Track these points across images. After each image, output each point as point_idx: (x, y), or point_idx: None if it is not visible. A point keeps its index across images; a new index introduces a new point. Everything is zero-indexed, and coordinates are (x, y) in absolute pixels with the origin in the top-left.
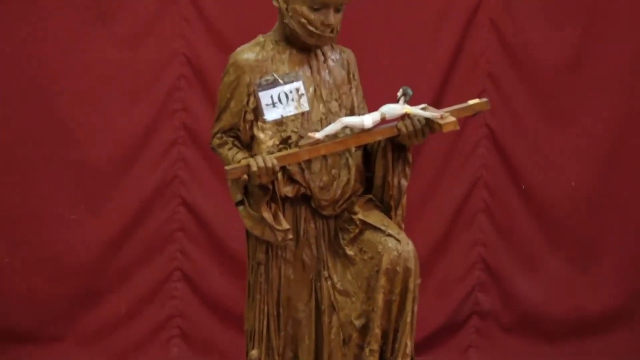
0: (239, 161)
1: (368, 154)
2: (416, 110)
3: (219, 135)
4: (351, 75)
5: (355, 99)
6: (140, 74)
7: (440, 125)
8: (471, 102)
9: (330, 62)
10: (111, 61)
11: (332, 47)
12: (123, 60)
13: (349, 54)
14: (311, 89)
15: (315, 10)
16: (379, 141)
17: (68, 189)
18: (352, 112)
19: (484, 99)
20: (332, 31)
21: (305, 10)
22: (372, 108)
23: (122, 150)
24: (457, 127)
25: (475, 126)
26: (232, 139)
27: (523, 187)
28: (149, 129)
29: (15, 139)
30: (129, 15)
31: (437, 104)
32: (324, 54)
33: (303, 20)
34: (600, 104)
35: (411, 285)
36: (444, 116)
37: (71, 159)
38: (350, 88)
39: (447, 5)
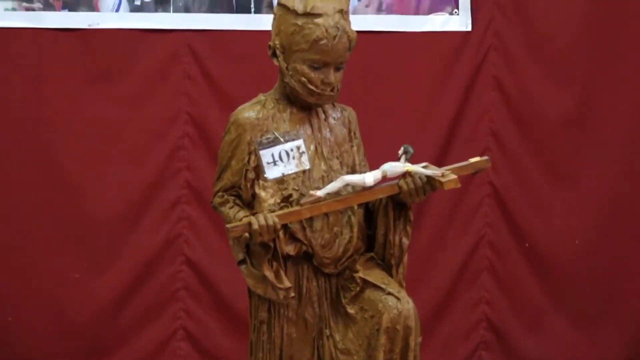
0: (241, 219)
1: (370, 212)
2: (417, 168)
3: (220, 193)
4: (352, 134)
5: (356, 157)
6: (144, 133)
7: (441, 183)
8: (472, 160)
9: (332, 120)
10: (114, 120)
11: (334, 106)
12: (126, 118)
13: (350, 112)
14: (312, 147)
15: (315, 69)
16: (381, 199)
17: (71, 247)
18: (353, 170)
19: (485, 157)
20: (332, 90)
21: (305, 69)
22: (374, 166)
23: (125, 208)
24: (458, 185)
25: (479, 184)
26: (233, 198)
27: (527, 244)
28: (152, 187)
29: (18, 197)
30: (132, 74)
31: (440, 163)
32: (325, 112)
33: (303, 79)
34: (604, 161)
35: (412, 344)
36: (445, 174)
37: (74, 217)
38: (352, 146)
39: (451, 63)
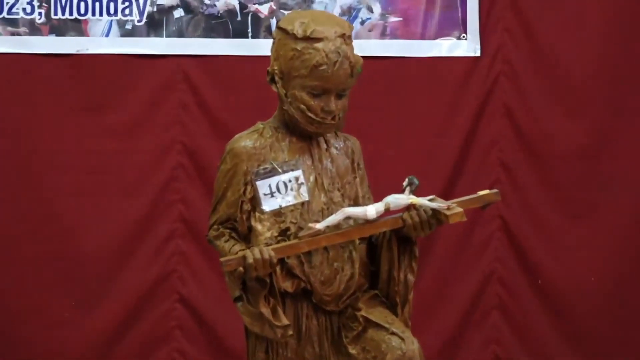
0: (236, 253)
1: (373, 246)
2: (422, 200)
3: (215, 226)
4: (355, 164)
5: (359, 189)
6: (136, 164)
7: (446, 216)
8: (481, 193)
9: (333, 150)
10: (105, 151)
11: (336, 135)
12: (117, 149)
13: (353, 142)
14: (312, 178)
15: (315, 96)
16: (384, 233)
17: (60, 283)
18: (356, 203)
19: (494, 190)
20: (333, 118)
21: (304, 96)
22: (377, 198)
23: (117, 243)
24: (464, 218)
25: (489, 218)
26: (228, 231)
27: (539, 282)
28: (145, 221)
29: (3, 231)
30: (123, 102)
31: (447, 196)
32: (326, 142)
33: (302, 106)
34: (619, 194)
35: None
36: (451, 207)
37: (63, 252)
38: (355, 177)
39: (458, 90)
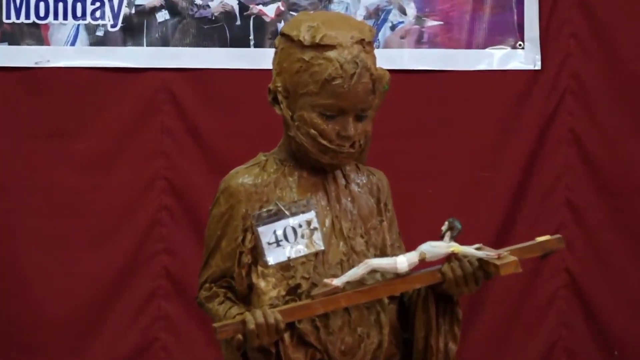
0: (233, 317)
1: (405, 307)
2: (466, 249)
3: (207, 285)
4: (383, 205)
5: (387, 236)
6: (110, 205)
7: (496, 267)
8: (541, 238)
9: (355, 187)
10: (73, 188)
11: (358, 168)
12: (87, 186)
13: (379, 178)
14: (328, 222)
15: (328, 118)
16: (419, 291)
17: (18, 351)
18: (383, 253)
19: (557, 236)
20: (352, 145)
21: (315, 118)
22: (411, 247)
23: (87, 303)
24: (519, 270)
25: (552, 271)
26: (224, 290)
27: (616, 353)
28: (120, 277)
29: None
30: (93, 129)
31: (499, 244)
32: (345, 177)
33: (313, 131)
34: None
35: None
36: (503, 255)
37: (22, 314)
38: (381, 221)
39: (514, 113)
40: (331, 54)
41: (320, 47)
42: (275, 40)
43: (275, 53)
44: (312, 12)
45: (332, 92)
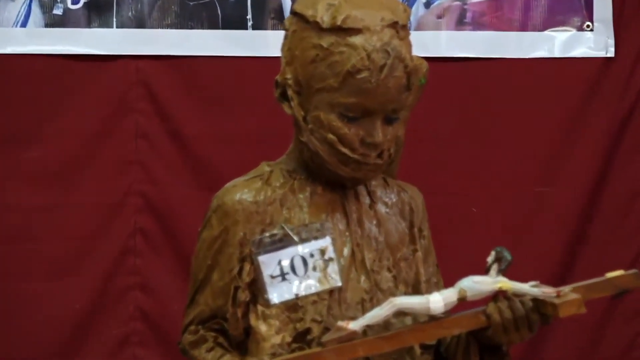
0: None
1: (442, 358)
2: (517, 285)
3: (192, 327)
4: (416, 230)
5: (421, 269)
6: (73, 227)
7: (554, 306)
8: (612, 274)
9: (382, 208)
10: (26, 207)
11: (386, 183)
12: (44, 205)
13: (413, 195)
14: (346, 252)
15: (350, 120)
16: (458, 338)
17: None
18: (416, 290)
19: (632, 271)
20: (380, 155)
21: (334, 119)
22: (448, 283)
23: (46, 350)
24: (582, 310)
25: (628, 314)
26: (213, 334)
27: None
28: (86, 317)
29: None
30: (52, 133)
31: (560, 280)
32: (370, 194)
33: (331, 136)
34: None
35: None
36: (563, 293)
37: None
38: (415, 250)
39: (581, 112)
40: (356, 40)
41: (342, 30)
42: (285, 21)
43: (286, 37)
44: None
45: (356, 88)
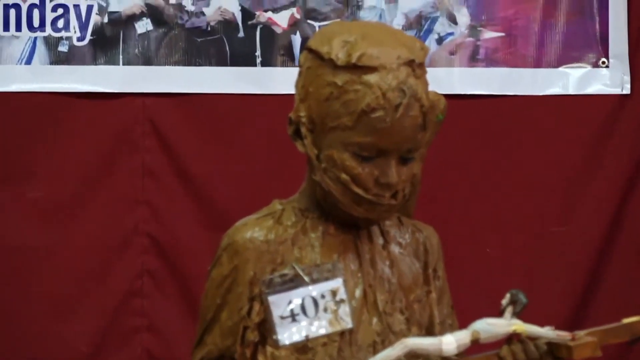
0: None
1: None
2: (532, 328)
3: None
4: (431, 271)
5: (435, 311)
6: (77, 268)
7: (569, 349)
8: (628, 320)
9: (395, 248)
10: (27, 247)
11: (401, 223)
12: (47, 245)
13: (428, 235)
14: (358, 293)
15: (365, 159)
16: None
17: None
18: (429, 333)
19: None
20: (394, 196)
21: (348, 159)
22: (463, 324)
23: None
24: (598, 353)
25: None
26: None
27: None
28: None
29: None
30: (56, 172)
31: (575, 324)
32: (384, 234)
33: (345, 176)
34: None
35: None
36: (578, 336)
37: None
38: (429, 292)
39: (596, 150)
40: (371, 78)
41: (357, 68)
42: (300, 57)
43: (300, 73)
44: (346, 21)
45: (370, 128)
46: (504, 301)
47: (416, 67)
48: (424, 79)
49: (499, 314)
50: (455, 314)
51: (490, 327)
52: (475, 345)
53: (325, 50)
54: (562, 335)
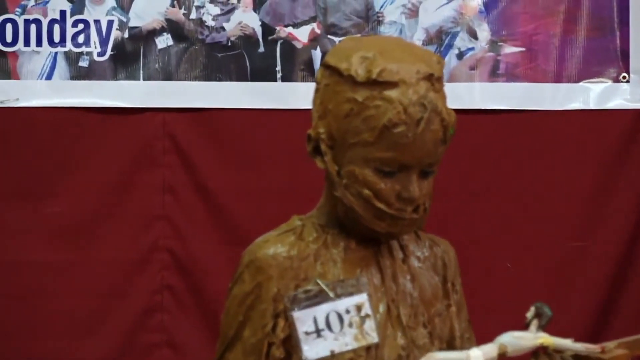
0: None
1: None
2: (559, 341)
3: None
4: (450, 285)
5: (456, 324)
6: (96, 284)
7: None
8: None
9: (414, 262)
10: (46, 264)
11: (418, 237)
12: (66, 261)
13: (445, 249)
14: (382, 308)
15: (386, 174)
16: None
17: None
18: (450, 346)
19: None
20: (416, 210)
21: (369, 175)
22: (482, 340)
23: None
24: None
25: None
26: None
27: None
28: None
29: None
30: (75, 188)
31: (597, 336)
32: (402, 248)
33: (367, 191)
34: None
35: None
36: (608, 349)
37: None
38: (448, 306)
39: (617, 166)
40: (392, 93)
41: (377, 84)
42: (317, 74)
43: (317, 90)
44: (363, 37)
45: (392, 143)
46: (529, 314)
47: (435, 81)
48: (443, 93)
49: (524, 327)
50: (472, 328)
51: (517, 340)
52: (502, 359)
53: (344, 66)
54: (590, 348)
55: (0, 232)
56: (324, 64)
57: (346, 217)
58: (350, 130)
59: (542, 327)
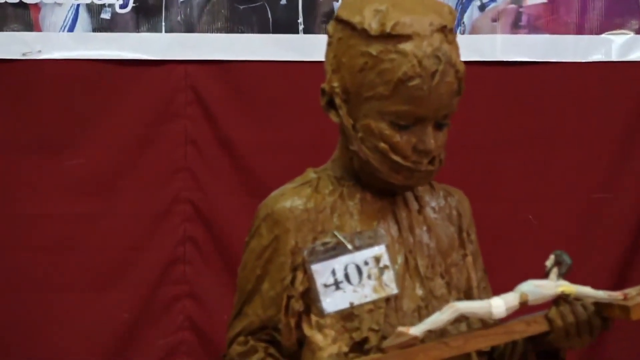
0: None
1: None
2: (581, 289)
3: (241, 338)
4: (465, 234)
5: (472, 274)
6: (119, 237)
7: (624, 309)
8: None
9: (430, 213)
10: (69, 215)
11: (432, 188)
12: (89, 213)
13: (460, 199)
14: (400, 259)
15: (402, 127)
16: (514, 345)
17: None
18: (468, 296)
19: None
20: (432, 162)
21: (385, 128)
22: (500, 288)
23: None
24: None
25: None
26: (264, 345)
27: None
28: (133, 327)
29: None
30: (98, 140)
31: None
32: (417, 199)
33: (382, 144)
34: None
35: None
36: (630, 295)
37: None
38: (464, 255)
39: (636, 120)
40: (406, 46)
41: (391, 37)
42: (328, 27)
43: (329, 44)
44: None
45: (407, 96)
46: (549, 262)
47: (448, 32)
48: (456, 44)
49: (544, 275)
50: (487, 278)
51: (538, 288)
52: (523, 307)
53: (357, 20)
54: (613, 295)
55: (22, 185)
56: (336, 18)
57: (362, 170)
58: (365, 84)
59: (562, 275)
